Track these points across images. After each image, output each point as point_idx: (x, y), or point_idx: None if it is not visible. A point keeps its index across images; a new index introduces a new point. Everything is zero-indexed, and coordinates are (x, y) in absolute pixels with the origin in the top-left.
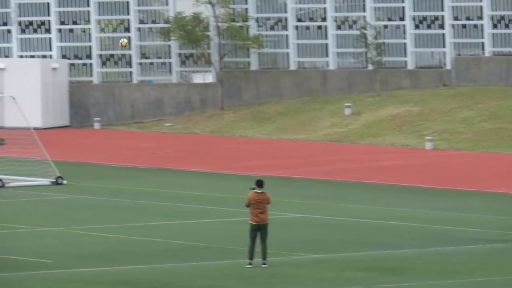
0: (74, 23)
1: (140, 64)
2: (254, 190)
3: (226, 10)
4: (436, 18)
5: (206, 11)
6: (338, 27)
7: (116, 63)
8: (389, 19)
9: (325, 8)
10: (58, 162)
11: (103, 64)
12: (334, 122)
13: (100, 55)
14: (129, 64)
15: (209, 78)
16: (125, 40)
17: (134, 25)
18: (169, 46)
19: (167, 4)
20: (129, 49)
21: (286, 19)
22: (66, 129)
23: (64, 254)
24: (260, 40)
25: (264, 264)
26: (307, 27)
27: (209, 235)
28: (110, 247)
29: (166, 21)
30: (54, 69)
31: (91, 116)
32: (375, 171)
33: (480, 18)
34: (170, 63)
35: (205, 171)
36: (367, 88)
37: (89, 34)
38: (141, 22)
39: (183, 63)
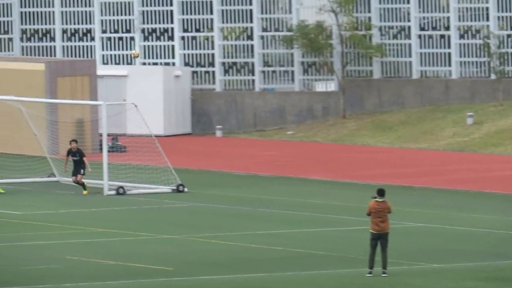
0: (197, 30)
1: (263, 72)
2: (375, 199)
3: (349, 18)
4: None
5: (329, 20)
6: (461, 36)
7: (238, 71)
8: None
9: (448, 17)
10: (179, 170)
11: (226, 72)
12: (456, 132)
13: (223, 63)
14: (251, 72)
15: (331, 86)
16: (136, 52)
17: (257, 33)
18: (292, 54)
19: (290, 12)
20: (252, 56)
21: (409, 27)
22: (187, 137)
23: (184, 261)
24: (383, 49)
25: (384, 273)
26: (430, 36)
27: (330, 243)
28: (230, 255)
29: (289, 29)
30: (177, 76)
31: (213, 124)
32: (496, 181)
33: None
34: (292, 71)
35: (326, 179)
36: (490, 98)
37: (212, 42)
38: (264, 30)
39: (305, 71)
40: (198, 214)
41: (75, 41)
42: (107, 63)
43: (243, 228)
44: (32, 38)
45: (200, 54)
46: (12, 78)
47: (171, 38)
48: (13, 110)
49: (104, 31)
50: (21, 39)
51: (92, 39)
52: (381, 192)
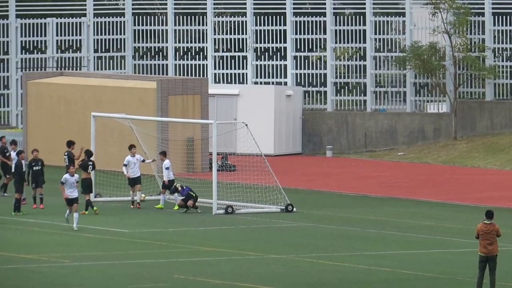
0: (310, 50)
1: (375, 92)
2: (483, 221)
3: (462, 40)
4: None
5: (442, 41)
6: None
7: (350, 91)
8: None
9: None
10: (288, 190)
11: (337, 92)
12: None
13: (335, 83)
14: (363, 92)
15: (443, 108)
16: (143, 196)
17: (369, 53)
18: (404, 75)
19: (403, 33)
20: (364, 77)
21: None
22: (298, 157)
23: (291, 282)
24: (496, 71)
25: None
26: None
27: (438, 266)
28: (338, 276)
29: (402, 50)
30: (288, 96)
31: (324, 144)
32: None
33: None
34: (404, 92)
35: (436, 201)
36: None
37: (324, 62)
38: (377, 50)
39: (417, 92)
40: (306, 234)
41: (187, 59)
42: (219, 82)
43: (351, 249)
44: (145, 56)
45: (312, 74)
46: (124, 96)
47: (283, 57)
48: (124, 128)
49: (216, 50)
50: (134, 57)
51: (205, 57)
52: (489, 214)
